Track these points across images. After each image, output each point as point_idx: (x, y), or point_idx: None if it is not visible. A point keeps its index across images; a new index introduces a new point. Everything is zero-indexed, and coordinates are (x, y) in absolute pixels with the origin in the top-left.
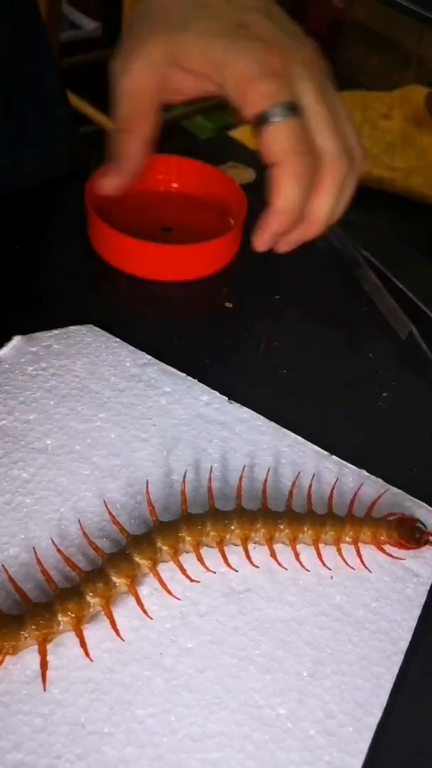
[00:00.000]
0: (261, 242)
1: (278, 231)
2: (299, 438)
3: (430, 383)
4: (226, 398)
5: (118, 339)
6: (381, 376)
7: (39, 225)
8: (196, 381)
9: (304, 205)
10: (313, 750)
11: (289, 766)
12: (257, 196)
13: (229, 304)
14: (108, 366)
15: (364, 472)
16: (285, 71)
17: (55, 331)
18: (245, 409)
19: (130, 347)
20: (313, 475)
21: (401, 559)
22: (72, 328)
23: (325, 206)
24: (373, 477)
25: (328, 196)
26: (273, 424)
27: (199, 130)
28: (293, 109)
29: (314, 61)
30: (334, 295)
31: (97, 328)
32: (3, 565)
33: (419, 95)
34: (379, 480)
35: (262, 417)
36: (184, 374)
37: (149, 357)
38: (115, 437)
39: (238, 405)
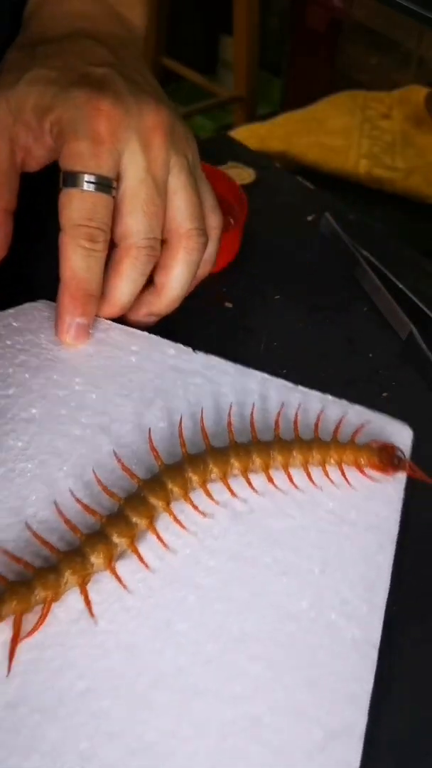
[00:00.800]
0: (63, 329)
1: (73, 310)
2: (266, 375)
3: (430, 383)
4: (191, 348)
5: None
6: (381, 376)
7: (38, 225)
8: (159, 337)
9: (95, 282)
10: (338, 631)
11: (318, 650)
12: (257, 196)
13: (229, 304)
14: None
15: (345, 402)
16: (110, 137)
17: (11, 310)
18: (210, 356)
19: None
20: (299, 404)
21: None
22: (26, 305)
23: (119, 289)
24: (351, 404)
25: (125, 279)
26: (239, 366)
27: (199, 130)
28: (103, 183)
29: (158, 129)
30: (334, 295)
31: (50, 302)
32: (26, 523)
33: (419, 95)
34: (355, 406)
35: (228, 361)
36: (146, 333)
37: (109, 322)
38: (97, 397)
39: (203, 353)
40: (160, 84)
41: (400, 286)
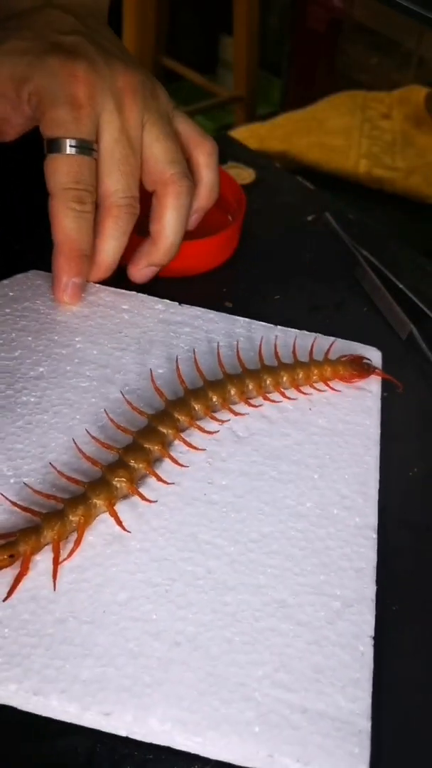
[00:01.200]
0: (60, 289)
1: (69, 270)
2: (246, 319)
3: (431, 383)
4: (177, 302)
5: None
6: None
7: (39, 224)
8: (146, 295)
9: (87, 242)
10: (341, 521)
11: (327, 539)
12: (257, 196)
13: (229, 304)
14: None
15: (311, 333)
16: (88, 101)
17: (5, 282)
18: (196, 307)
19: None
20: (275, 337)
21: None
22: (18, 276)
23: (104, 251)
24: (321, 335)
25: (109, 239)
26: (223, 314)
27: None
28: (85, 146)
29: (129, 89)
30: (334, 295)
31: (41, 272)
32: (50, 463)
33: (419, 95)
34: (329, 337)
35: (212, 311)
36: (133, 291)
37: (99, 285)
38: (98, 353)
39: (188, 306)
40: (159, 84)
41: (400, 286)
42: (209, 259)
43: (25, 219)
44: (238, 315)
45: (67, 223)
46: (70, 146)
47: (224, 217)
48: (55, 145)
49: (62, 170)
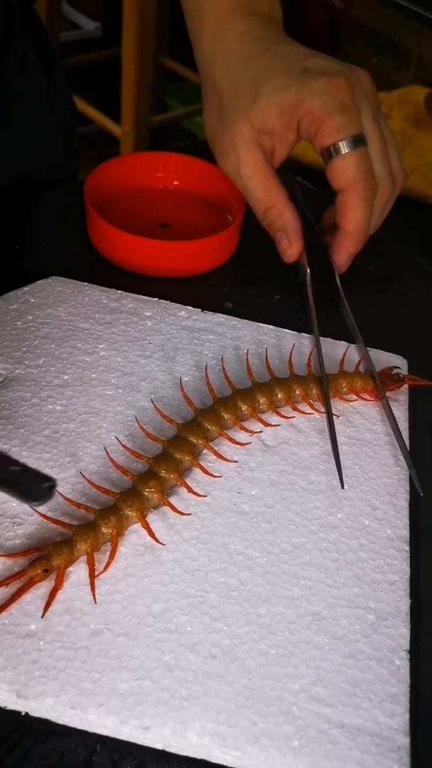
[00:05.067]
0: (342, 264)
1: (353, 252)
2: (271, 326)
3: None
4: (200, 309)
5: (85, 283)
6: None
7: (39, 224)
8: (168, 301)
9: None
10: (373, 532)
11: (359, 550)
12: None
13: (229, 304)
14: (88, 306)
15: (342, 343)
16: (353, 103)
17: (26, 288)
18: (218, 314)
19: (100, 287)
20: (314, 345)
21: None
22: (39, 282)
23: (374, 224)
24: (349, 344)
25: (374, 217)
26: (246, 320)
27: (199, 130)
28: (361, 140)
29: (371, 89)
30: (333, 295)
31: (61, 278)
32: (80, 472)
33: (419, 95)
34: (353, 345)
35: (235, 318)
36: (156, 298)
37: (120, 292)
38: (122, 360)
39: (212, 312)
40: (160, 84)
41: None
42: (209, 259)
43: (25, 219)
44: (238, 315)
45: (360, 213)
46: (355, 143)
47: (224, 217)
48: (337, 148)
49: (352, 166)
